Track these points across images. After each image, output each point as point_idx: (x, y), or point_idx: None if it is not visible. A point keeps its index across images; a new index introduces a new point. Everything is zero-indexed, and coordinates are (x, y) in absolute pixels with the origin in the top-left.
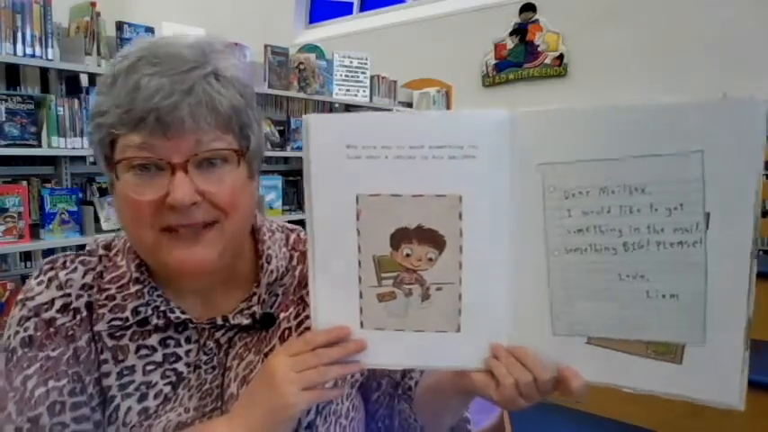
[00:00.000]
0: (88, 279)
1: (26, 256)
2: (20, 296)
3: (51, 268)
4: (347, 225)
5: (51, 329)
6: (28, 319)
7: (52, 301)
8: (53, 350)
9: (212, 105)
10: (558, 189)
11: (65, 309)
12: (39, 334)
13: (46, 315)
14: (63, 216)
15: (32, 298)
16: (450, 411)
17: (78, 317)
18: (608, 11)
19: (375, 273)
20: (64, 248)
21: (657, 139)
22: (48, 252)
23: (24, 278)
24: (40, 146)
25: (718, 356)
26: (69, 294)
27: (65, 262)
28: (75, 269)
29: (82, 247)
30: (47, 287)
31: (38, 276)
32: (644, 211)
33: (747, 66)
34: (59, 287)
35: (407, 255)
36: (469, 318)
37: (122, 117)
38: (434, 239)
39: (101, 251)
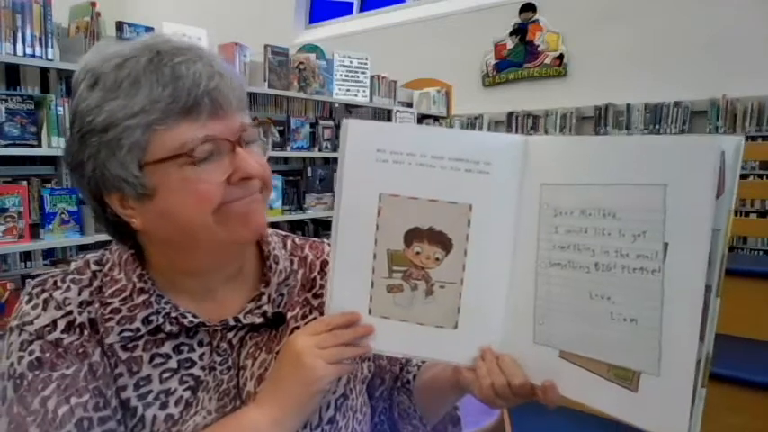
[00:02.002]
0: (85, 296)
1: (26, 256)
2: (13, 322)
3: (43, 290)
4: (368, 219)
5: (60, 349)
6: (30, 342)
7: (54, 323)
8: (67, 368)
9: (239, 86)
10: (550, 207)
11: (70, 327)
12: (48, 355)
13: (51, 337)
14: (63, 216)
15: (31, 322)
16: (446, 403)
17: (86, 332)
18: (608, 11)
19: (387, 265)
20: (64, 248)
21: (630, 169)
22: (48, 252)
23: (24, 278)
24: (40, 146)
25: (671, 389)
26: (71, 312)
27: (55, 282)
28: (69, 288)
29: (82, 247)
30: (44, 309)
31: (30, 300)
32: (613, 234)
33: (747, 66)
34: (58, 307)
35: (417, 252)
36: (467, 317)
37: (168, 108)
38: (443, 241)
39: (93, 267)
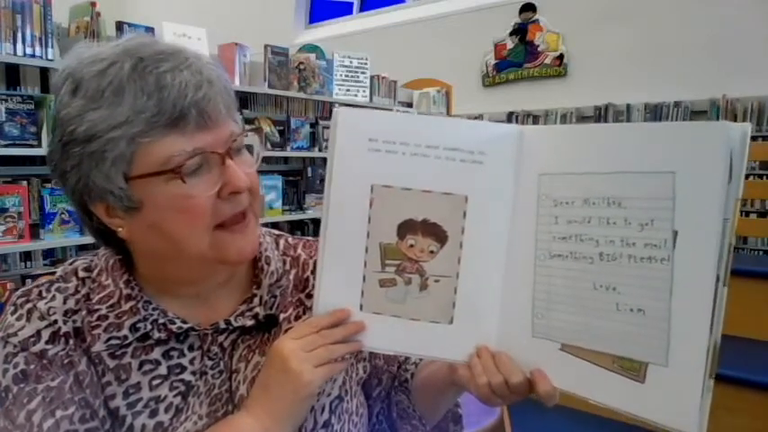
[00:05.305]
0: (70, 304)
1: (26, 256)
2: None
3: (27, 300)
4: (360, 211)
5: (45, 361)
6: (15, 355)
7: (38, 333)
8: (52, 380)
9: (228, 93)
10: (549, 197)
11: (54, 338)
12: (32, 367)
13: (35, 348)
14: (63, 216)
15: (15, 333)
16: (445, 401)
17: (71, 341)
18: (608, 11)
19: (380, 259)
20: (64, 248)
21: (636, 157)
22: (48, 252)
23: (24, 278)
24: (40, 146)
25: (679, 380)
26: (55, 322)
27: (40, 292)
28: (54, 297)
29: (82, 247)
30: (28, 320)
31: (14, 311)
32: (619, 223)
33: (747, 66)
34: (41, 317)
35: (411, 245)
36: (462, 311)
37: (153, 121)
38: (437, 233)
39: (81, 273)
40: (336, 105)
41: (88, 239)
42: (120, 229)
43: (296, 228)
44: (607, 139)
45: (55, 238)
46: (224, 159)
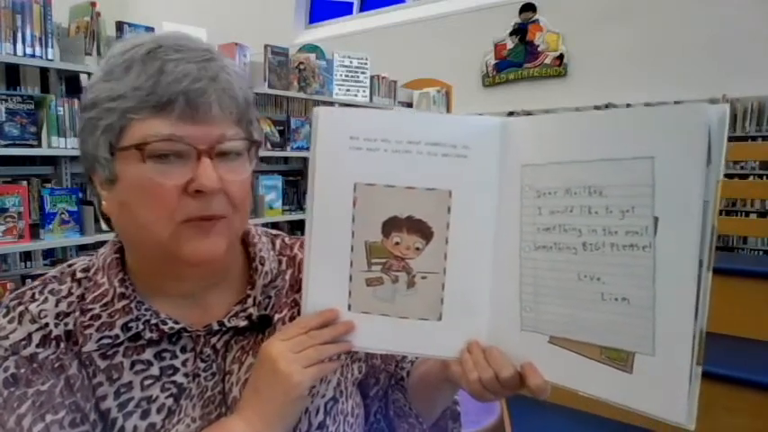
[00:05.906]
0: (63, 307)
1: (26, 256)
2: None
3: (19, 303)
4: (344, 211)
5: (35, 365)
6: (5, 359)
7: (29, 337)
8: (42, 384)
9: (233, 95)
10: (532, 188)
11: (45, 341)
12: (23, 371)
13: (26, 352)
14: (63, 216)
15: (6, 337)
16: (441, 398)
17: (62, 345)
18: (608, 11)
19: (366, 258)
20: (64, 248)
21: (614, 143)
22: (48, 252)
23: (24, 278)
24: (40, 146)
25: (667, 369)
26: (47, 325)
27: (33, 294)
28: (46, 299)
29: (82, 247)
30: (19, 323)
31: (6, 314)
32: (600, 212)
33: (747, 66)
34: (33, 321)
35: (397, 243)
36: (451, 307)
37: (145, 99)
38: (423, 230)
39: (79, 275)
40: (336, 105)
41: (88, 239)
42: (104, 203)
43: (296, 228)
44: (586, 126)
45: (55, 238)
46: (200, 156)
